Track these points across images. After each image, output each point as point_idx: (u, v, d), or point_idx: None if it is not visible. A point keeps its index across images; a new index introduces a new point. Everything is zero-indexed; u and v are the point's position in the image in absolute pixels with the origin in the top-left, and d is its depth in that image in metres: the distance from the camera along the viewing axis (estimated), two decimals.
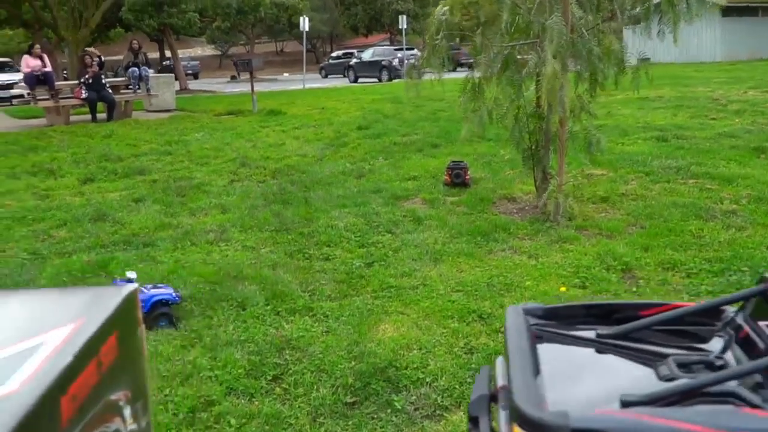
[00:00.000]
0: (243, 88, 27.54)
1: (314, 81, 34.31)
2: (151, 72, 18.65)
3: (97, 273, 5.44)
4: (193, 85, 34.98)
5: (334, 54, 45.00)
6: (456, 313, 4.52)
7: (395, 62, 32.23)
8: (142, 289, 4.51)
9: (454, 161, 8.38)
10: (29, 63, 15.84)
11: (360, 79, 34.13)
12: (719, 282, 4.90)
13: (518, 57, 6.65)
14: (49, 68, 16.25)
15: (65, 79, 22.29)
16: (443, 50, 6.49)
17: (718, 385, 0.96)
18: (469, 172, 8.16)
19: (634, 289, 4.89)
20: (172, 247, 6.15)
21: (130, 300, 0.97)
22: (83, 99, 15.82)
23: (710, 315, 1.12)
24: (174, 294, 4.54)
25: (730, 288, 4.77)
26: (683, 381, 0.98)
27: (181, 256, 5.89)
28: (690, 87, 17.61)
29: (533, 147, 6.95)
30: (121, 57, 23.78)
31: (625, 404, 0.90)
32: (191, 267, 5.51)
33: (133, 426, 0.92)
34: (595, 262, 5.41)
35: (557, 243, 5.96)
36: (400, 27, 31.95)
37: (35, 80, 15.76)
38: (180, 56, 44.79)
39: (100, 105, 16.02)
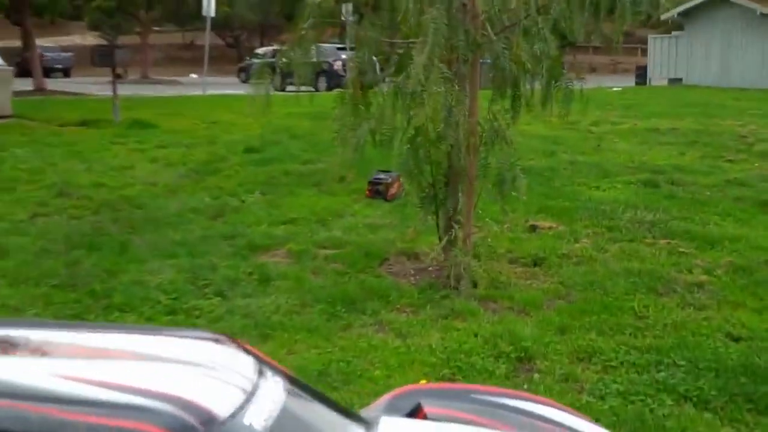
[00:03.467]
0: (131, 90, 27.55)
1: (228, 86, 34.47)
2: None
3: None
4: (59, 84, 34.82)
5: (259, 51, 45.34)
6: None
7: (337, 65, 32.48)
8: None
9: (381, 171, 9.00)
10: None
11: (290, 87, 34.35)
12: (640, 380, 4.88)
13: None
14: None
15: None
16: (310, 43, 6.53)
17: None
18: (399, 185, 8.36)
19: (524, 386, 4.84)
20: None
21: None
22: None
23: None
24: None
25: (649, 389, 4.75)
26: None
27: None
28: (717, 118, 18.06)
29: (435, 184, 6.97)
30: None
31: None
32: None
33: None
34: (485, 347, 5.36)
35: (446, 318, 5.92)
36: (343, 18, 32.37)
37: None
38: (49, 45, 44.63)
39: None
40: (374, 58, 6.62)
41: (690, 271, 7.04)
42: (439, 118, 5.83)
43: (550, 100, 6.74)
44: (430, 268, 7.14)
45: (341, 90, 7.03)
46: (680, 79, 31.99)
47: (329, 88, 33.33)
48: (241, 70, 44.77)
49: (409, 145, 6.84)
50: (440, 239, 7.08)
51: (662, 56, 33.51)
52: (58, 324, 3.36)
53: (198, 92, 28.38)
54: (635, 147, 14.34)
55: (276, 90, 7.33)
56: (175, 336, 2.38)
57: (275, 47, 44.50)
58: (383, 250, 7.59)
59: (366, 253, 7.45)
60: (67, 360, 2.04)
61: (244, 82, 42.72)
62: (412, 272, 7.11)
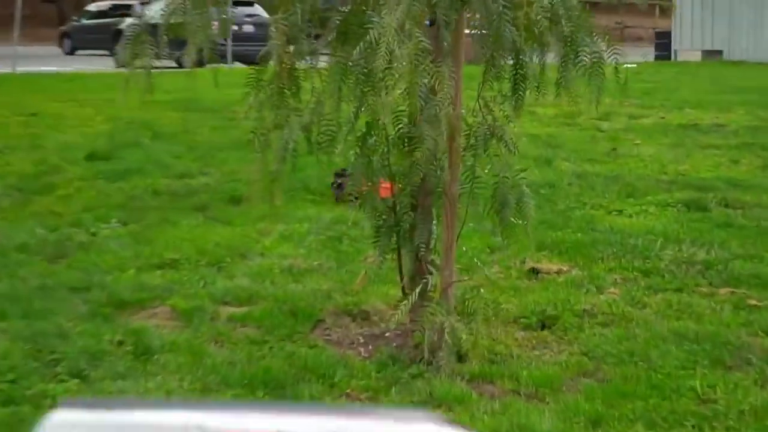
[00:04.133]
0: None
1: (47, 60, 34.27)
2: None
3: None
4: None
5: (91, 7, 45.25)
6: None
7: (248, 29, 32.73)
8: None
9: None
10: None
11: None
12: None
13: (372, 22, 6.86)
14: None
15: None
16: None
17: None
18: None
19: None
20: None
21: None
22: None
23: None
24: None
25: None
26: None
27: None
28: None
29: (398, 206, 7.09)
30: None
31: None
32: None
33: None
34: None
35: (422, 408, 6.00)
36: None
37: None
38: None
39: None
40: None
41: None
42: (416, 109, 5.96)
43: (568, 81, 6.92)
44: (389, 333, 7.25)
45: (255, 67, 7.08)
46: (720, 52, 32.99)
47: (200, 64, 33.57)
48: (64, 35, 44.57)
49: (358, 150, 6.98)
50: (404, 290, 7.18)
51: (693, 18, 34.44)
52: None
53: (5, 69, 28.14)
54: (667, 152, 14.75)
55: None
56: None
57: (114, 3, 44.51)
58: (315, 307, 7.69)
59: (291, 311, 7.55)
60: None
61: (69, 53, 42.60)
62: (362, 339, 7.21)
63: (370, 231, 8.48)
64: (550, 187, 11.92)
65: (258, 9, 30.77)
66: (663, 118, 17.93)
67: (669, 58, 34.35)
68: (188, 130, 14.96)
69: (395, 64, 6.02)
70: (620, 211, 11.02)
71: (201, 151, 13.14)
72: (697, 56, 33.33)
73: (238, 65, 23.53)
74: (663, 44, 35.49)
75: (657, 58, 34.61)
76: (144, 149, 13.69)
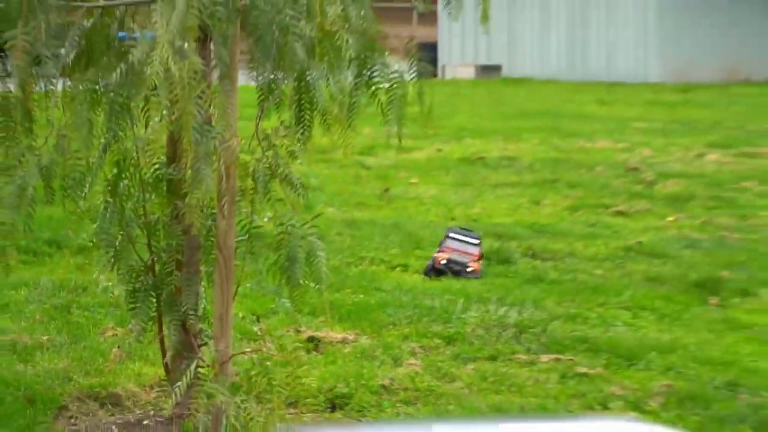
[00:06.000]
0: None
1: None
2: None
3: None
4: None
5: None
6: None
7: None
8: None
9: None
10: None
11: None
12: None
13: (122, 37, 7.20)
14: None
15: None
16: None
17: None
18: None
19: None
20: None
21: None
22: None
23: None
24: None
25: None
26: None
27: None
28: (582, 138, 19.73)
29: (158, 265, 7.42)
30: None
31: None
32: None
33: None
34: None
35: None
36: None
37: None
38: None
39: None
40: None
41: (606, 407, 7.86)
42: (190, 143, 6.31)
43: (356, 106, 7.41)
44: (147, 421, 7.53)
45: None
46: (498, 68, 34.20)
47: None
48: None
49: (109, 196, 7.29)
50: (167, 368, 7.50)
51: (465, 28, 35.48)
52: None
53: None
54: (451, 192, 15.41)
55: None
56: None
57: None
58: (55, 391, 7.83)
59: (26, 397, 7.70)
60: None
61: None
62: (116, 429, 7.45)
63: (103, 298, 8.79)
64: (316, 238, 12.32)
65: None
66: (440, 150, 18.58)
67: (435, 75, 35.30)
68: None
69: (161, 90, 6.37)
70: (406, 266, 11.51)
71: None
72: (470, 72, 34.35)
73: None
74: (427, 58, 36.29)
75: (421, 75, 35.34)
76: None
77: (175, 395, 6.97)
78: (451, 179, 16.23)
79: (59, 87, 7.26)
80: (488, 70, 33.87)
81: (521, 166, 17.13)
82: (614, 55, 31.94)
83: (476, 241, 11.29)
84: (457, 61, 35.36)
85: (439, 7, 34.29)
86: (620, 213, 14.15)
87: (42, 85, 7.17)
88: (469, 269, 10.92)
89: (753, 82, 30.35)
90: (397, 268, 11.44)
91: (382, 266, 11.51)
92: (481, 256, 11.19)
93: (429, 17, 37.07)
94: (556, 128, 20.78)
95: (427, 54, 30.78)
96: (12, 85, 6.90)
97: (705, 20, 31.77)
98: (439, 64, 35.73)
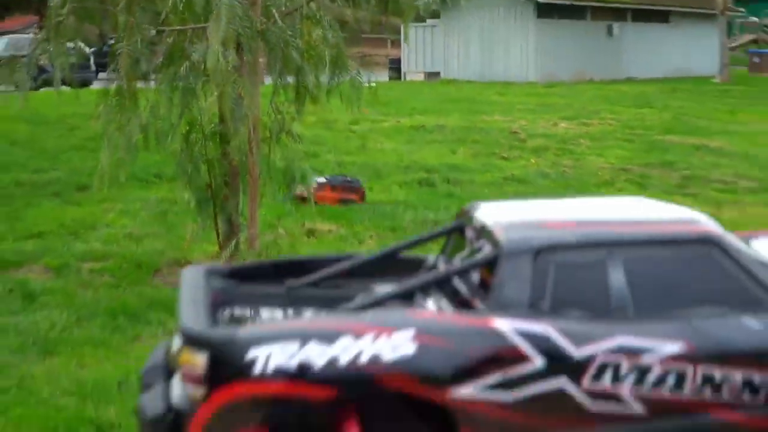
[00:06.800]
0: None
1: None
2: None
3: None
4: None
5: None
6: (63, 425, 4.90)
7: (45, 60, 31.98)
8: None
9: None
10: None
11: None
12: None
13: (189, 49, 7.33)
14: None
15: None
16: (70, 33, 6.99)
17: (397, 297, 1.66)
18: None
19: None
20: None
21: None
22: None
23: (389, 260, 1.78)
24: None
25: None
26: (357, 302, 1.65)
27: None
28: (484, 114, 19.83)
29: (214, 185, 7.62)
30: None
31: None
32: None
33: None
34: None
35: None
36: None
37: None
38: None
39: None
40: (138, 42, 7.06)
41: None
42: (229, 110, 6.48)
43: (334, 91, 7.60)
44: None
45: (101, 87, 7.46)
46: (438, 73, 34.19)
47: (36, 87, 32.72)
48: None
49: (184, 142, 7.49)
50: (220, 246, 7.71)
51: (417, 47, 35.49)
52: None
53: None
54: (403, 146, 15.54)
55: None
56: None
57: None
58: (154, 261, 8.09)
59: (136, 264, 7.94)
60: None
61: None
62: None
63: (188, 207, 8.99)
64: (317, 173, 12.53)
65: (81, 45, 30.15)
66: (398, 122, 18.62)
67: (400, 78, 35.19)
68: (35, 138, 14.94)
69: (212, 77, 6.54)
70: (371, 188, 11.69)
71: (50, 154, 13.26)
72: (421, 77, 34.36)
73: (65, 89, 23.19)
74: (395, 68, 36.24)
75: (390, 78, 35.30)
76: (3, 153, 13.62)
77: (224, 259, 7.23)
78: (403, 139, 16.32)
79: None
80: (431, 75, 33.84)
81: (446, 130, 17.24)
82: (508, 65, 31.92)
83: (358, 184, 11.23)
84: (413, 69, 35.26)
85: (402, 37, 34.50)
86: (503, 158, 14.32)
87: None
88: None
89: (594, 81, 30.33)
90: (367, 190, 11.59)
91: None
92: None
93: (396, 43, 36.98)
94: (469, 109, 20.82)
95: (396, 65, 30.90)
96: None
97: (563, 41, 31.82)
98: (402, 71, 35.58)
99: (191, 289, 1.38)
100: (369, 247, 8.64)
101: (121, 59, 6.97)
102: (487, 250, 1.40)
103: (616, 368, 1.48)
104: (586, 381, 1.36)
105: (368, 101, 8.05)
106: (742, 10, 41.83)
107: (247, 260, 7.11)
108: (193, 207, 7.86)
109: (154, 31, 7.47)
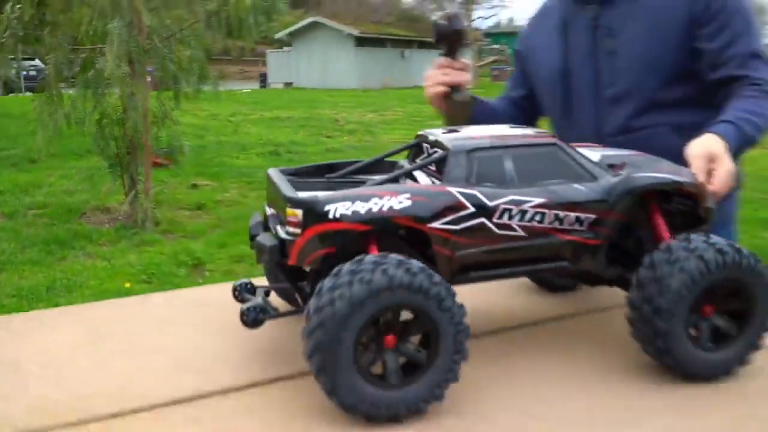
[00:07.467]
0: None
1: None
2: None
3: None
4: None
5: None
6: None
7: None
8: None
9: None
10: None
11: None
12: None
13: (97, 61, 7.05)
14: None
15: None
16: (9, 50, 6.62)
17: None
18: None
19: (200, 280, 5.64)
20: None
21: None
22: None
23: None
24: None
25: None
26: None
27: None
28: (319, 109, 19.78)
29: (120, 155, 7.40)
30: None
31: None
32: None
33: None
34: (169, 260, 6.05)
35: (137, 246, 6.48)
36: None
37: None
38: None
39: None
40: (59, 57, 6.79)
41: None
42: (126, 102, 6.30)
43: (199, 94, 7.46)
44: (120, 217, 7.54)
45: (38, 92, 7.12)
46: (292, 83, 33.85)
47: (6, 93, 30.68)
48: None
49: (97, 126, 7.23)
50: (126, 195, 7.51)
51: (278, 65, 35.05)
52: None
53: None
54: (263, 130, 15.37)
55: None
56: None
57: None
58: (81, 208, 7.80)
59: (68, 210, 7.66)
60: None
61: None
62: (107, 221, 7.46)
63: (104, 171, 8.63)
64: (202, 148, 12.16)
65: (37, 62, 28.48)
66: (262, 115, 18.33)
67: (266, 86, 34.67)
68: (1, 127, 14.08)
69: (112, 81, 6.35)
70: (237, 157, 11.57)
71: (11, 138, 12.54)
72: (280, 85, 33.95)
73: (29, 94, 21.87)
74: (263, 79, 35.74)
75: (260, 87, 34.79)
76: None
77: (126, 205, 7.06)
78: (264, 125, 16.16)
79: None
80: (287, 84, 33.47)
81: (293, 120, 17.15)
82: (338, 77, 31.96)
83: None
84: (275, 80, 34.78)
85: (268, 56, 33.98)
86: (328, 137, 14.40)
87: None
88: None
89: (393, 88, 30.66)
90: (234, 158, 11.43)
91: (227, 158, 11.50)
92: None
93: (264, 62, 36.11)
94: (309, 106, 20.72)
95: (264, 77, 30.11)
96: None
97: (373, 61, 32.13)
98: (268, 81, 35.05)
99: (279, 179, 1.46)
100: (230, 196, 8.59)
101: (49, 68, 6.71)
102: (440, 152, 1.54)
103: (510, 211, 1.66)
104: (495, 218, 1.54)
105: (225, 101, 7.90)
106: (489, 39, 43.27)
107: (144, 205, 6.99)
108: (107, 171, 7.60)
109: (71, 49, 7.16)
